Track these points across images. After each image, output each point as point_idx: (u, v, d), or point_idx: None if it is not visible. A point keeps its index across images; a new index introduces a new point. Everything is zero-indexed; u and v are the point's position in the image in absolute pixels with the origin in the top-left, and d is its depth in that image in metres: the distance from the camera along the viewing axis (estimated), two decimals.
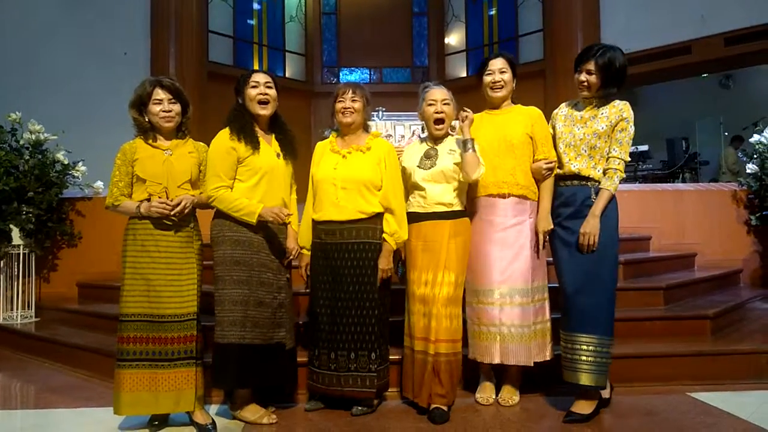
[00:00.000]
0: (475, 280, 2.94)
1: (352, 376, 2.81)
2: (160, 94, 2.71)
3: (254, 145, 2.75)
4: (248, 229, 2.73)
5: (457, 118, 2.99)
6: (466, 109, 2.86)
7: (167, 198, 2.66)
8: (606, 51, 2.74)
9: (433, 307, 2.78)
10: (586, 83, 2.78)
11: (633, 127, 2.77)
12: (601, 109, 2.81)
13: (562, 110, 2.97)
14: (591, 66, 2.74)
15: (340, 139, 3.01)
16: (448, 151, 2.92)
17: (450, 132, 3.03)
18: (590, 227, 2.70)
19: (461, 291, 2.88)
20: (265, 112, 2.83)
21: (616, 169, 2.74)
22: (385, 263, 2.84)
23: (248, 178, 2.73)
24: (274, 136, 2.92)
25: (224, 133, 2.76)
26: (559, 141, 2.88)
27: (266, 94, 2.81)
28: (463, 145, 2.81)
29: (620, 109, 2.77)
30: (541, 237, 2.88)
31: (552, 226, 2.87)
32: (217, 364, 2.71)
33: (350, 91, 2.92)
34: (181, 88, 2.79)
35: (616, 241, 2.78)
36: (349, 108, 2.90)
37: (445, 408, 2.77)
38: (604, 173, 2.76)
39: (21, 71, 7.06)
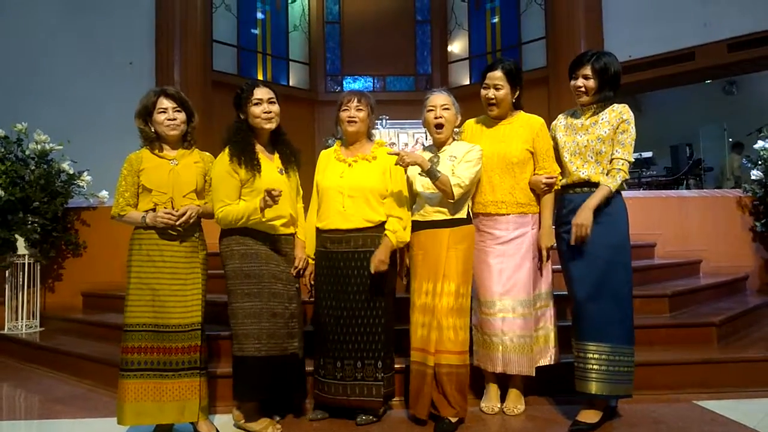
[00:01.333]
0: (478, 291, 2.93)
1: (358, 385, 2.80)
2: (164, 102, 2.73)
3: (255, 168, 2.73)
4: (255, 241, 2.73)
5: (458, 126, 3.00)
6: (395, 153, 2.76)
7: (173, 208, 2.67)
8: (601, 56, 2.77)
9: (434, 318, 2.76)
10: (583, 88, 2.78)
11: (634, 128, 2.77)
12: (600, 114, 2.81)
13: (561, 121, 2.97)
14: (587, 71, 2.75)
15: (344, 148, 3.01)
16: (448, 158, 2.90)
17: (454, 137, 3.02)
18: (582, 218, 2.67)
19: (466, 301, 2.84)
20: (270, 126, 2.83)
21: (619, 169, 2.73)
22: (382, 255, 2.78)
23: (252, 198, 2.71)
24: (276, 150, 2.92)
25: (225, 157, 2.74)
26: (563, 151, 2.87)
27: (270, 111, 2.80)
28: (428, 174, 2.76)
29: (620, 112, 2.77)
30: (544, 253, 2.89)
31: (554, 242, 2.87)
32: (237, 377, 2.72)
33: (355, 100, 2.92)
34: (185, 98, 2.81)
35: (627, 249, 2.76)
36: (353, 117, 2.90)
37: (453, 419, 2.75)
38: (608, 173, 2.75)
39: (26, 81, 7.11)
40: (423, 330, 2.80)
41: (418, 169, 2.95)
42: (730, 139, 10.22)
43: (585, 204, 2.69)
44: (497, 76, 2.91)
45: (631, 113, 2.78)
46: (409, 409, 2.89)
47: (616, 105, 2.82)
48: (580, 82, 2.78)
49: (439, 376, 2.75)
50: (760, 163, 5.28)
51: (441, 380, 2.74)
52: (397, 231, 2.83)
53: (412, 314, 2.88)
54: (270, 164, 2.83)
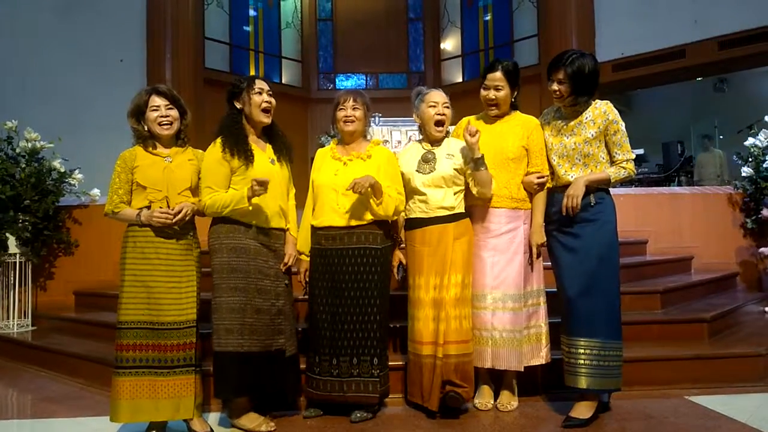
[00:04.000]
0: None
1: (354, 382, 2.80)
2: (156, 101, 2.72)
3: (248, 158, 2.73)
4: (245, 235, 2.73)
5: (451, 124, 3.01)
6: (471, 127, 2.76)
7: (168, 206, 2.66)
8: (575, 59, 2.73)
9: (442, 310, 2.80)
10: (558, 92, 2.79)
11: (623, 125, 2.79)
12: (584, 113, 2.82)
13: (545, 118, 2.99)
14: (561, 75, 2.75)
15: (340, 147, 3.02)
16: (446, 155, 2.93)
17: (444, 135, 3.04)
18: (574, 190, 2.70)
19: (469, 291, 2.88)
20: (268, 119, 2.85)
21: (625, 167, 2.77)
22: (372, 181, 2.74)
23: (243, 187, 2.70)
24: (268, 141, 2.93)
25: (217, 147, 2.75)
26: (551, 153, 2.89)
27: (270, 102, 2.83)
28: (474, 163, 2.80)
29: (604, 112, 2.78)
30: (534, 250, 2.90)
31: (545, 240, 2.89)
32: (217, 374, 2.70)
33: (351, 99, 2.93)
34: (177, 95, 2.80)
35: (616, 246, 2.79)
36: (350, 116, 2.91)
37: (463, 396, 2.78)
38: (612, 166, 2.79)
39: (16, 79, 7.06)
40: (434, 323, 2.83)
41: (413, 164, 2.97)
42: (721, 137, 10.29)
43: (579, 177, 2.73)
44: (497, 77, 2.91)
45: (615, 110, 2.80)
46: (423, 403, 2.87)
47: (598, 102, 2.83)
48: (555, 86, 2.79)
49: (446, 366, 2.77)
50: (750, 159, 5.32)
51: (448, 370, 2.77)
52: (393, 195, 2.83)
53: (418, 310, 2.88)
54: (262, 154, 2.83)
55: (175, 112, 2.76)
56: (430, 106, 2.95)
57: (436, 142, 2.99)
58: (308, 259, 2.94)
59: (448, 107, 2.96)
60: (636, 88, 9.96)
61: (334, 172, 2.90)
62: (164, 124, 2.71)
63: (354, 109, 2.92)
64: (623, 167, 2.77)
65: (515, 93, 2.98)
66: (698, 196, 5.65)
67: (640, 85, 9.38)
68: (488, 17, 10.09)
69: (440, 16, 10.69)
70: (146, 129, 2.74)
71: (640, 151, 8.10)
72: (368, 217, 2.84)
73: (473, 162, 2.80)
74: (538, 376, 3.08)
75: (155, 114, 2.71)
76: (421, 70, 10.66)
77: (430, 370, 2.83)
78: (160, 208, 2.64)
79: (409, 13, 10.78)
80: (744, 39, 7.48)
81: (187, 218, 2.69)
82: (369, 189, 2.74)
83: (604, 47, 8.41)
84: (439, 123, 2.94)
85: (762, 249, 5.00)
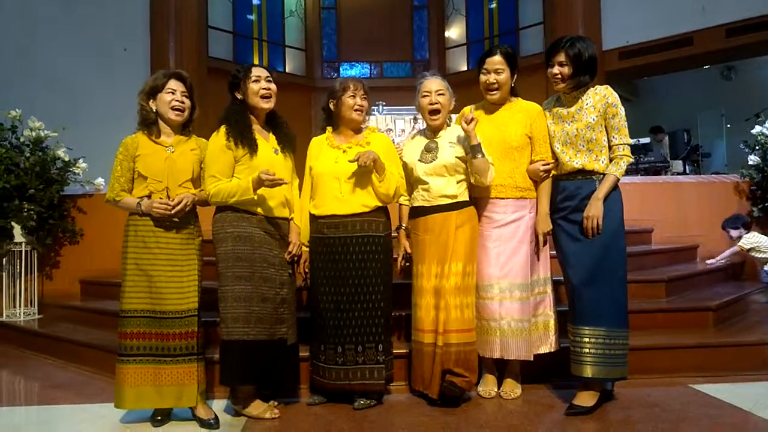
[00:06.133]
0: (476, 275, 2.93)
1: (360, 369, 2.81)
2: (174, 85, 2.70)
3: (252, 147, 2.73)
4: (249, 223, 2.73)
5: (452, 112, 3.00)
6: (467, 114, 2.76)
7: (168, 197, 2.65)
8: (575, 41, 2.76)
9: (442, 299, 2.79)
10: (559, 75, 2.78)
11: (622, 109, 2.77)
12: (584, 99, 2.80)
13: (546, 107, 2.97)
14: (562, 57, 2.75)
15: (337, 135, 3.00)
16: (448, 144, 2.91)
17: (447, 122, 3.02)
18: (594, 210, 2.69)
19: (471, 280, 2.87)
20: (268, 105, 2.82)
21: (622, 155, 2.75)
22: (375, 155, 2.78)
23: (247, 176, 2.70)
24: (271, 131, 2.92)
25: (221, 135, 2.73)
26: (553, 141, 2.87)
27: (268, 88, 2.81)
28: (472, 150, 2.78)
29: (604, 96, 2.77)
30: (541, 239, 2.89)
31: (551, 228, 2.87)
32: (223, 361, 2.72)
33: (362, 89, 2.92)
34: (194, 87, 2.79)
35: (622, 234, 2.77)
36: (362, 106, 2.91)
37: (462, 386, 2.78)
38: (611, 160, 2.77)
39: (20, 68, 7.06)
40: (434, 311, 2.83)
41: (416, 154, 2.95)
42: (729, 125, 10.21)
43: (594, 195, 2.71)
44: (497, 60, 2.90)
45: (615, 94, 2.78)
46: (425, 390, 2.88)
47: (598, 87, 2.81)
48: (556, 69, 2.78)
49: (446, 355, 2.77)
50: (757, 148, 5.28)
51: (449, 359, 2.77)
52: (394, 174, 2.84)
53: (420, 297, 2.89)
54: (265, 144, 2.82)
55: (189, 102, 2.74)
56: (423, 96, 2.94)
57: (439, 130, 2.98)
58: (308, 249, 2.94)
59: (442, 94, 2.92)
60: (642, 76, 9.89)
61: (334, 160, 2.89)
62: (177, 110, 2.69)
63: (363, 98, 2.91)
64: (621, 155, 2.75)
65: (514, 77, 2.96)
66: (704, 184, 5.62)
67: (646, 73, 9.31)
68: (493, 5, 10.02)
69: (445, 4, 10.62)
70: (154, 111, 2.72)
71: (647, 140, 8.06)
72: (371, 202, 2.84)
73: (470, 149, 2.78)
74: (542, 364, 3.08)
75: (170, 97, 2.69)
76: (425, 58, 10.60)
77: (430, 358, 2.83)
78: (160, 198, 2.63)
79: (413, 1, 10.71)
80: (752, 26, 7.41)
81: (187, 209, 2.68)
82: (372, 164, 2.74)
83: (611, 35, 8.34)
84: (432, 112, 2.92)
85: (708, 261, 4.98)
